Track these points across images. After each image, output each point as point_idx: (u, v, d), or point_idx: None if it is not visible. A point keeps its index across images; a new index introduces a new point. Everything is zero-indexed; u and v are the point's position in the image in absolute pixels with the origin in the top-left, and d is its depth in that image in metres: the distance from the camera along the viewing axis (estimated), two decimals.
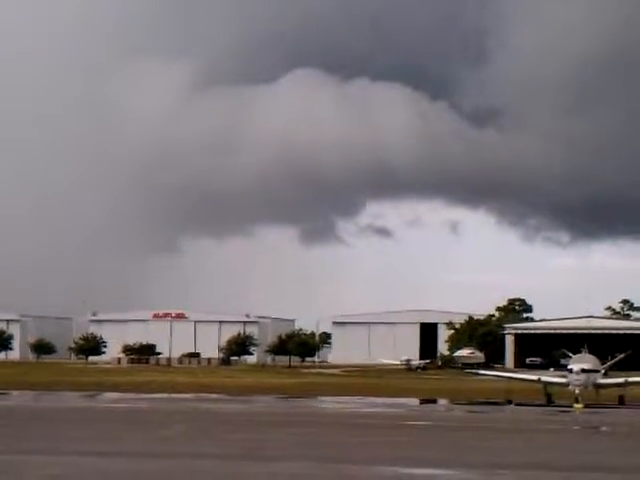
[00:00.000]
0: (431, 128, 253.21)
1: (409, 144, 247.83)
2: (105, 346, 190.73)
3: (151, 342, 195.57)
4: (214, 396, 72.02)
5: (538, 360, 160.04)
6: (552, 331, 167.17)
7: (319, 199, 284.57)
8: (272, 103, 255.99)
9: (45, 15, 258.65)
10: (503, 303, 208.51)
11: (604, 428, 48.31)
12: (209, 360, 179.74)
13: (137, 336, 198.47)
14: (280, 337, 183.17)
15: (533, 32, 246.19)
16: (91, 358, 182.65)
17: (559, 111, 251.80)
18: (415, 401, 72.10)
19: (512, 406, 63.21)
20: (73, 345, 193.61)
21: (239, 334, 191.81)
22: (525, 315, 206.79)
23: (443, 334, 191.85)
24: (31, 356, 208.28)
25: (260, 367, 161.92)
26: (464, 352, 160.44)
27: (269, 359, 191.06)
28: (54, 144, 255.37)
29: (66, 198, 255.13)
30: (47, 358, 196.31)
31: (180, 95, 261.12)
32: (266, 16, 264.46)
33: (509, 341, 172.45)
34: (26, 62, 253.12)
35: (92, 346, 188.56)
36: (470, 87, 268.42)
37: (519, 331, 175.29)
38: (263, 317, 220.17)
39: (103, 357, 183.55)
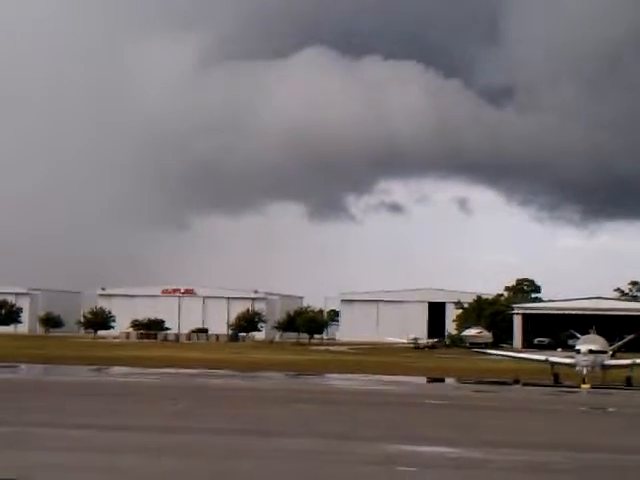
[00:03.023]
0: (443, 106, 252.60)
1: (420, 122, 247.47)
2: (114, 321, 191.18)
3: (160, 317, 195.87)
4: (222, 372, 72.17)
5: (546, 340, 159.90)
6: (560, 312, 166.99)
7: (329, 176, 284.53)
8: (284, 80, 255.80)
9: None
10: (512, 283, 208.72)
11: (610, 409, 48.35)
12: (217, 336, 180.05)
13: (146, 311, 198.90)
14: (288, 314, 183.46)
15: (549, 9, 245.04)
16: (99, 332, 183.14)
17: (573, 90, 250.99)
18: (422, 380, 72.22)
19: (519, 386, 63.26)
20: (82, 319, 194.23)
21: (248, 310, 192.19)
22: (533, 295, 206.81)
23: (451, 313, 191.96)
24: (40, 330, 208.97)
25: (268, 343, 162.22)
26: (472, 331, 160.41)
27: (277, 336, 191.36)
28: (65, 119, 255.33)
29: (77, 173, 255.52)
30: (56, 332, 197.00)
31: (191, 70, 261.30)
32: None
33: (517, 321, 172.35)
34: (37, 36, 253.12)
35: (101, 320, 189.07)
36: (484, 65, 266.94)
37: (527, 311, 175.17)
38: (271, 294, 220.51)
39: (112, 332, 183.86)
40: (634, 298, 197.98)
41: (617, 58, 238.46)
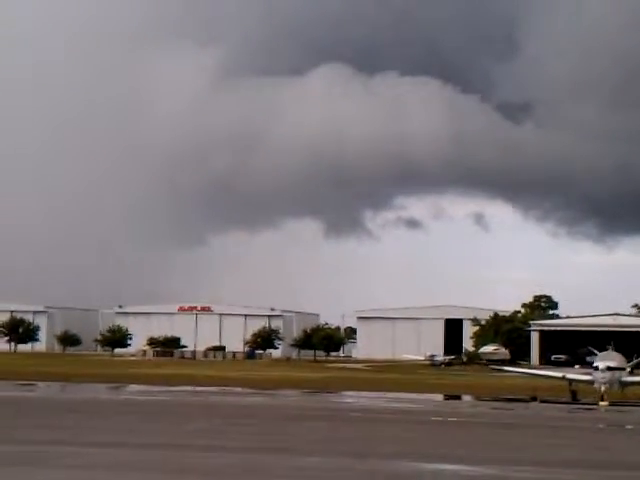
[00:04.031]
0: (461, 121, 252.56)
1: (438, 137, 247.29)
2: (131, 338, 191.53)
3: (176, 335, 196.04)
4: (239, 390, 72.23)
5: (563, 357, 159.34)
6: (578, 328, 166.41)
7: (346, 193, 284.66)
8: (300, 97, 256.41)
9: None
10: (529, 299, 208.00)
11: (629, 426, 48.17)
12: (234, 354, 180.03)
13: (163, 329, 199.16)
14: (305, 331, 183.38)
15: (567, 25, 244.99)
16: (116, 350, 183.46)
17: (590, 105, 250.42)
18: (439, 397, 72.10)
19: (537, 403, 63.09)
20: (99, 337, 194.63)
21: (264, 328, 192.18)
22: (551, 312, 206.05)
23: (468, 330, 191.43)
24: (57, 348, 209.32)
25: (285, 361, 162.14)
26: (489, 348, 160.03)
27: (294, 353, 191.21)
28: (82, 135, 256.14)
29: (94, 190, 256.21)
30: (73, 350, 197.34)
31: (208, 85, 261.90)
32: (294, 10, 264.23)
33: (534, 338, 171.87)
34: (51, 48, 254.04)
35: (118, 338, 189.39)
36: (502, 80, 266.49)
37: (545, 328, 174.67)
38: (288, 311, 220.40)
39: (129, 349, 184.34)
40: None
41: (636, 72, 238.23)
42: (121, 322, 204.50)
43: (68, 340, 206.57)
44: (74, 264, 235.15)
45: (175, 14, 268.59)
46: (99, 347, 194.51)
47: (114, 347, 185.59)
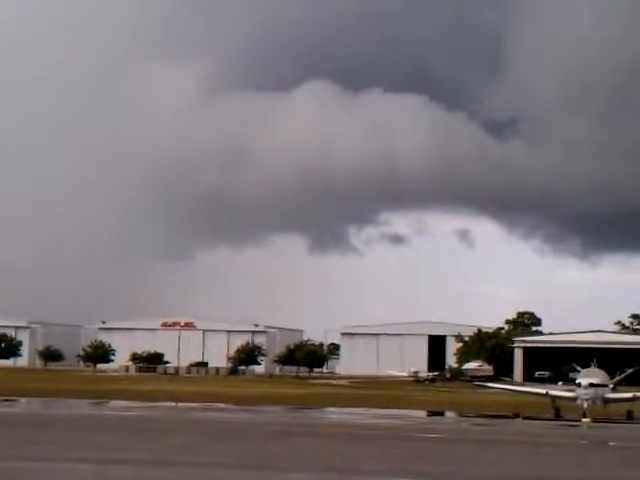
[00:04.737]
0: (446, 138, 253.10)
1: (423, 154, 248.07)
2: (113, 354, 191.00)
3: (159, 351, 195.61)
4: (221, 405, 71.95)
5: (547, 374, 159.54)
6: (561, 345, 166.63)
7: (331, 208, 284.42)
8: (286, 113, 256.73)
9: (55, 16, 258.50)
10: (512, 316, 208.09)
11: (611, 443, 48.13)
12: (217, 370, 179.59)
13: (146, 344, 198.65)
14: (288, 347, 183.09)
15: (553, 40, 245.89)
16: (99, 366, 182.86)
17: (577, 122, 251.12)
18: (423, 413, 71.98)
19: (520, 419, 63.04)
20: (81, 353, 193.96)
21: (247, 344, 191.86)
22: (534, 328, 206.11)
23: (452, 346, 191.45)
24: (39, 363, 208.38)
25: (268, 377, 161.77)
26: (473, 365, 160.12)
27: (277, 369, 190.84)
28: (65, 149, 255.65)
29: (77, 204, 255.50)
30: (55, 365, 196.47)
31: (196, 100, 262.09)
32: (279, 26, 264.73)
33: (518, 354, 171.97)
34: (36, 63, 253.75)
35: (100, 354, 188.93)
36: (488, 96, 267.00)
37: (528, 344, 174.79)
38: (272, 327, 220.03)
39: (111, 365, 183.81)
40: (635, 331, 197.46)
41: (623, 88, 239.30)
42: (104, 338, 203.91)
43: (50, 356, 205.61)
44: (57, 279, 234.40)
45: (163, 29, 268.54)
46: (81, 363, 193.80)
47: (97, 363, 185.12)
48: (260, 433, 46.96)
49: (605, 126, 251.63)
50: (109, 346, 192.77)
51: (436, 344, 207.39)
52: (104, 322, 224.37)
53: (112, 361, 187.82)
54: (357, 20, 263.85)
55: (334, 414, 67.95)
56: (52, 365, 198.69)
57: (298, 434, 46.43)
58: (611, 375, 72.09)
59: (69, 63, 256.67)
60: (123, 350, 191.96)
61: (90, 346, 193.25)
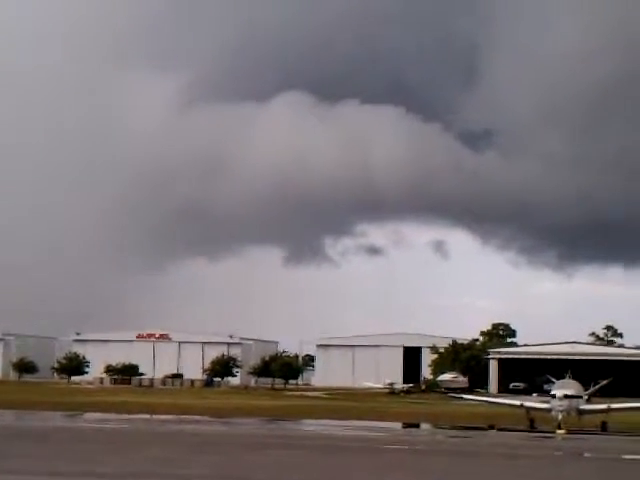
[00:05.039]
0: (422, 149, 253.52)
1: (399, 165, 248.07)
2: (88, 366, 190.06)
3: (134, 362, 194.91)
4: (196, 418, 71.69)
5: (521, 385, 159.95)
6: (536, 356, 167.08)
7: (308, 219, 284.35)
8: (263, 123, 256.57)
9: (31, 26, 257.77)
10: (487, 327, 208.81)
11: (586, 454, 48.28)
12: (192, 381, 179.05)
13: (121, 356, 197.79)
14: (264, 359, 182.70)
15: (530, 52, 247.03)
16: (73, 378, 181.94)
17: (552, 134, 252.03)
18: (398, 425, 71.95)
19: (495, 431, 63.13)
20: (56, 365, 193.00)
21: (223, 355, 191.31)
22: (509, 340, 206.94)
23: (427, 358, 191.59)
24: (13, 375, 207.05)
25: (243, 389, 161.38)
26: (448, 376, 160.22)
27: (252, 381, 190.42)
28: (38, 160, 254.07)
29: (51, 216, 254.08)
30: (29, 377, 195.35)
31: (170, 111, 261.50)
32: (256, 37, 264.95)
33: (493, 366, 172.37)
34: (15, 74, 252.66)
35: (75, 366, 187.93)
36: (464, 108, 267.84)
37: (503, 356, 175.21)
38: (247, 338, 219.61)
39: (86, 377, 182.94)
40: (609, 343, 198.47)
41: (599, 101, 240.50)
42: (79, 349, 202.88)
43: (24, 367, 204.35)
44: (31, 291, 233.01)
45: (140, 40, 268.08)
46: (56, 375, 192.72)
47: (71, 375, 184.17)
48: (235, 445, 46.82)
49: (580, 139, 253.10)
50: (83, 358, 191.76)
51: (411, 355, 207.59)
52: (79, 334, 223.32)
53: (87, 373, 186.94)
54: (333, 32, 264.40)
55: (309, 426, 67.83)
56: (26, 377, 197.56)
57: (274, 446, 46.34)
58: (585, 386, 72.32)
59: (45, 74, 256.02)
60: (98, 362, 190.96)
61: (64, 358, 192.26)
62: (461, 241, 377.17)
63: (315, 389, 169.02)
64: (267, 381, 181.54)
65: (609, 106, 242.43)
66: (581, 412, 64.98)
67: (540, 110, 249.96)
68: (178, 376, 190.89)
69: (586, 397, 68.24)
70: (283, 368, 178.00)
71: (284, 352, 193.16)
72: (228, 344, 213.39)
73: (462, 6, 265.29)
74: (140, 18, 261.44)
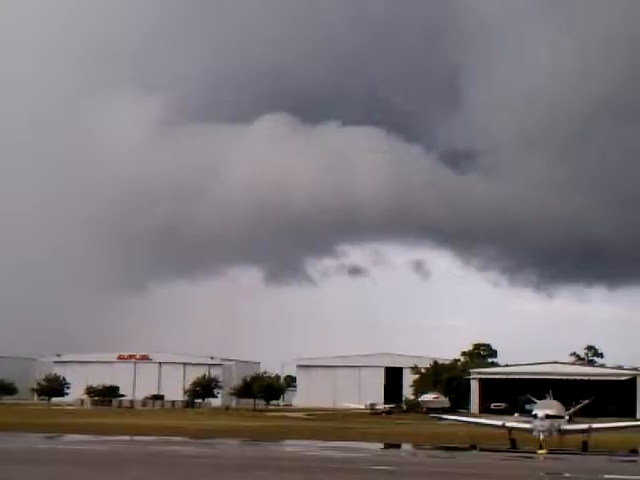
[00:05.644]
0: (404, 170, 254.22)
1: (380, 186, 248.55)
2: (68, 387, 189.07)
3: (115, 384, 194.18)
4: (177, 439, 71.31)
5: (503, 405, 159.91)
6: (517, 376, 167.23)
7: (289, 240, 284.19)
8: (244, 145, 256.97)
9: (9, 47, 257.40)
10: (468, 348, 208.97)
11: (567, 474, 48.23)
12: (173, 402, 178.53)
13: (101, 378, 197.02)
14: (245, 380, 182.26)
15: (514, 73, 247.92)
16: (54, 399, 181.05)
17: (534, 155, 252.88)
18: (379, 445, 71.78)
19: (476, 451, 63.04)
20: (36, 386, 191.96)
21: (204, 376, 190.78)
22: (490, 360, 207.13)
23: (408, 378, 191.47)
24: None
25: (224, 410, 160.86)
26: (429, 397, 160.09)
27: (233, 402, 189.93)
28: (16, 180, 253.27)
29: (31, 236, 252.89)
30: (8, 399, 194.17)
31: (151, 132, 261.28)
32: (237, 58, 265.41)
33: (474, 386, 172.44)
34: None
35: (55, 387, 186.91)
36: (446, 129, 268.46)
37: (484, 376, 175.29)
38: (228, 359, 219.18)
39: (66, 398, 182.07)
40: (590, 362, 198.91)
41: (582, 124, 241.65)
42: (59, 371, 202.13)
43: (3, 389, 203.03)
44: (10, 312, 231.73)
45: (119, 61, 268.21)
46: (35, 396, 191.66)
47: (51, 396, 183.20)
48: (216, 466, 46.58)
49: (563, 160, 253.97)
50: (64, 379, 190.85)
51: (393, 376, 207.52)
52: (59, 355, 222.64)
53: (67, 394, 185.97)
54: (315, 53, 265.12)
55: (290, 447, 67.58)
56: (5, 399, 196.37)
57: (254, 467, 46.10)
58: (567, 406, 72.34)
59: (22, 93, 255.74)
60: (78, 383, 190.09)
61: (45, 379, 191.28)
62: (443, 261, 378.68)
63: (296, 410, 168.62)
64: (248, 402, 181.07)
65: (591, 128, 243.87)
66: (562, 432, 64.92)
67: (523, 131, 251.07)
68: (159, 397, 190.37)
69: (567, 417, 68.24)
70: (264, 389, 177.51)
71: (265, 373, 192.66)
72: (209, 365, 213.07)
73: (444, 27, 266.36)
74: (121, 40, 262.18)
